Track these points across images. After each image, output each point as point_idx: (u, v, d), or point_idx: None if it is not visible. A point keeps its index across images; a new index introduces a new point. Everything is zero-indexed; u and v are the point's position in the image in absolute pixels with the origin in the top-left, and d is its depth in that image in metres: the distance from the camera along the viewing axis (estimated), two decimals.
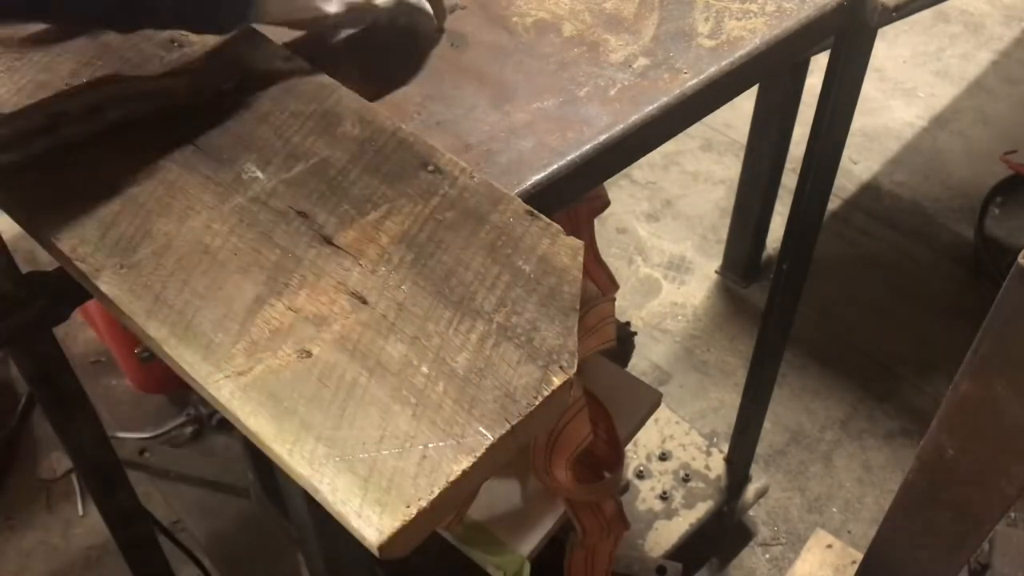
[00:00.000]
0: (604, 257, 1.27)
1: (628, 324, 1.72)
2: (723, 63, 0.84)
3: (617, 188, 2.39)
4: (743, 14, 0.89)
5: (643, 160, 1.68)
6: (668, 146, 2.33)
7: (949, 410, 0.80)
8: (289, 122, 0.71)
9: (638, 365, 1.96)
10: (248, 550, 1.52)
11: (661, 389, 1.41)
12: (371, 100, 0.75)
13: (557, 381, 0.55)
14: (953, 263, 2.20)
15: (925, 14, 2.77)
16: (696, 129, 2.46)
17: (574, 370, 0.56)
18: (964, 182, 2.38)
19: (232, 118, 0.72)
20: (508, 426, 0.52)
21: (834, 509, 1.79)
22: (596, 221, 1.19)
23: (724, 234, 2.16)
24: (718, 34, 0.87)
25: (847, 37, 1.01)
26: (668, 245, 2.28)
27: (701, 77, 0.82)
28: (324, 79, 0.75)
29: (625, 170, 1.42)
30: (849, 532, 1.75)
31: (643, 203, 2.38)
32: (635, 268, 2.23)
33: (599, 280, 1.22)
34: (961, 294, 2.13)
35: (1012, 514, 1.52)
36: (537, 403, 0.54)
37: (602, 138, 0.77)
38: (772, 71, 1.08)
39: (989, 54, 2.76)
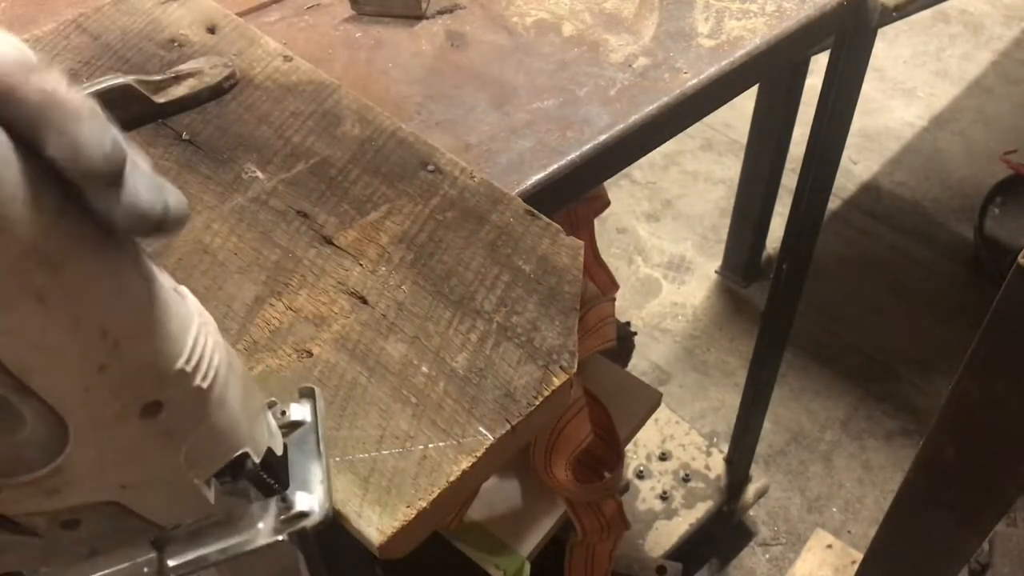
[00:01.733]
0: (604, 257, 1.27)
1: (628, 324, 1.72)
2: (723, 63, 0.84)
3: (617, 188, 2.39)
4: (743, 14, 0.89)
5: (643, 160, 1.68)
6: (668, 146, 2.33)
7: (949, 410, 0.80)
8: (289, 122, 0.71)
9: (638, 365, 1.96)
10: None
11: (661, 389, 1.41)
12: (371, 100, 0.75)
13: (557, 381, 0.55)
14: (953, 263, 2.20)
15: (925, 14, 2.77)
16: (696, 129, 2.46)
17: (574, 370, 0.56)
18: (964, 182, 2.38)
19: (232, 118, 0.72)
20: (508, 426, 0.52)
21: (834, 509, 1.79)
22: (596, 221, 1.19)
23: (724, 234, 2.16)
24: (718, 34, 0.87)
25: (847, 37, 1.01)
26: (668, 245, 2.28)
27: (701, 77, 0.82)
28: (324, 79, 0.75)
29: (625, 170, 1.42)
30: (849, 532, 1.75)
31: (643, 203, 2.38)
32: (635, 268, 2.23)
33: (599, 280, 1.22)
34: (961, 294, 2.13)
35: (1012, 514, 1.51)
36: (538, 403, 0.54)
37: (602, 138, 0.76)
38: (772, 71, 1.08)
39: (989, 54, 2.76)
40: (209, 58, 0.76)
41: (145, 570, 0.44)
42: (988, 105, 2.60)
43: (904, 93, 2.65)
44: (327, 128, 0.71)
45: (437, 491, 0.49)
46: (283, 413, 0.50)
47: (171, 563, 0.44)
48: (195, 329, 0.37)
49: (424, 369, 0.55)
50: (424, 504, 0.49)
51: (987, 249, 2.11)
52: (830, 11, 0.90)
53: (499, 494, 1.20)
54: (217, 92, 0.73)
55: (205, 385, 0.38)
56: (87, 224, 0.31)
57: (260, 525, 0.46)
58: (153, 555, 0.44)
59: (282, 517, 0.46)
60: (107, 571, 0.43)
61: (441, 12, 0.89)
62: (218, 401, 0.39)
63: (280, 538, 0.46)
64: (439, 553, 1.17)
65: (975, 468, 0.83)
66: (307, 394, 0.52)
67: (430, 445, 0.51)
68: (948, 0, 1.50)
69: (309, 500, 0.47)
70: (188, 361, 0.36)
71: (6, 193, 0.28)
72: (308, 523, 0.47)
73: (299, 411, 0.50)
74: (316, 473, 0.48)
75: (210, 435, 0.39)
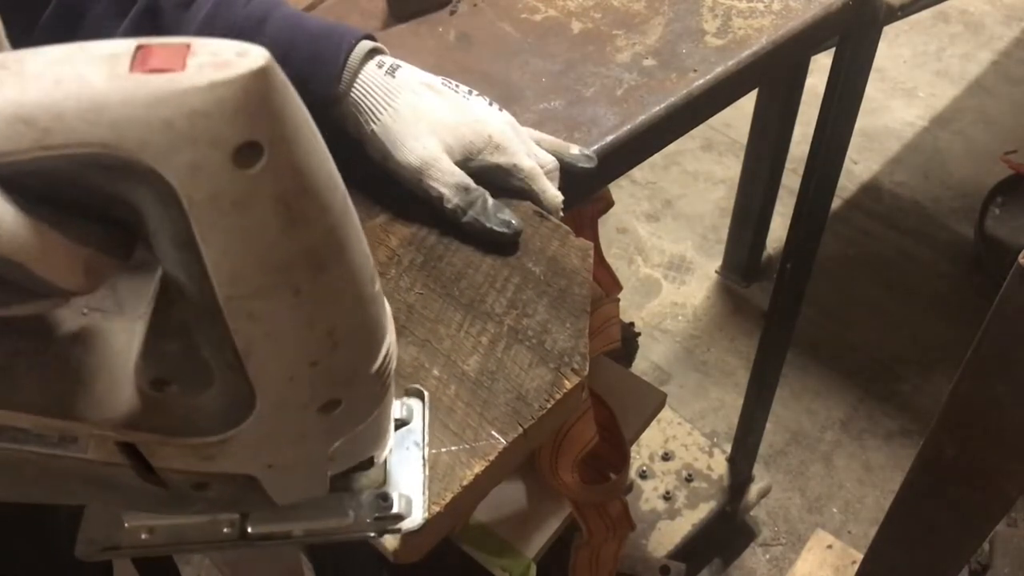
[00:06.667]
0: (605, 257, 1.27)
1: (632, 325, 1.72)
2: (730, 62, 0.83)
3: (617, 188, 2.38)
4: (750, 13, 0.88)
5: None
6: (668, 146, 2.32)
7: (949, 410, 0.80)
8: None
9: (638, 365, 1.96)
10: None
11: (661, 389, 1.41)
12: None
13: (569, 384, 0.54)
14: (953, 263, 2.20)
15: (925, 14, 2.77)
16: (696, 129, 2.43)
17: (586, 372, 0.55)
18: (964, 182, 2.38)
19: None
20: (521, 430, 0.52)
21: (834, 509, 1.79)
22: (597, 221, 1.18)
23: (724, 234, 2.16)
24: (725, 33, 0.86)
25: (852, 36, 1.01)
26: (668, 245, 2.28)
27: (708, 76, 0.82)
28: None
29: None
30: (849, 532, 1.75)
31: (643, 203, 2.38)
32: (635, 268, 2.23)
33: (603, 281, 1.21)
34: (961, 294, 2.13)
35: (1012, 514, 1.52)
36: (550, 406, 0.53)
37: (609, 139, 0.76)
38: (778, 70, 1.08)
39: (989, 54, 2.76)
40: None
41: (225, 529, 0.43)
42: (988, 105, 2.60)
43: (904, 93, 2.65)
44: None
45: (451, 496, 0.49)
46: None
47: (251, 529, 0.44)
48: (389, 336, 0.38)
49: (435, 372, 0.55)
50: (438, 509, 0.48)
51: (987, 249, 2.11)
52: (835, 10, 0.90)
53: (504, 496, 1.20)
54: None
55: (383, 390, 0.38)
56: (353, 228, 0.33)
57: (350, 513, 0.45)
58: (236, 516, 0.44)
59: (377, 515, 0.45)
60: (190, 520, 0.43)
61: (450, 11, 0.89)
62: (383, 405, 0.39)
63: (373, 534, 0.45)
64: (445, 555, 1.17)
65: (975, 468, 0.82)
66: (414, 394, 0.51)
67: (442, 449, 0.51)
68: (948, 0, 1.50)
69: (408, 503, 0.47)
70: (379, 366, 0.37)
71: (314, 184, 0.30)
72: (405, 525, 0.46)
73: (399, 410, 0.50)
74: (417, 477, 0.48)
75: (362, 435, 0.39)
